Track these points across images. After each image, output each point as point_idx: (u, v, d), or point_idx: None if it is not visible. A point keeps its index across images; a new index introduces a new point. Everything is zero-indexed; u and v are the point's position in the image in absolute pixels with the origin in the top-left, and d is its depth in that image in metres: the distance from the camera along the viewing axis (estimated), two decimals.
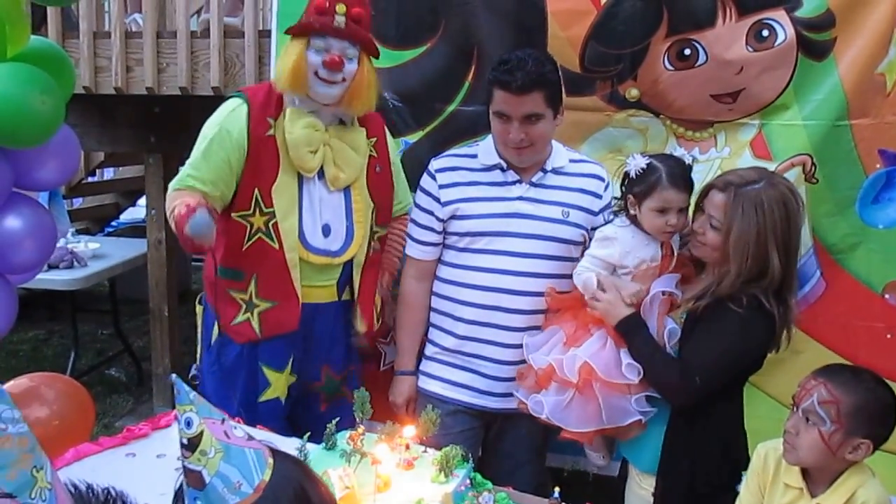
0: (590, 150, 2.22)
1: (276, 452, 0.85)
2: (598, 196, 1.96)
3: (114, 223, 5.19)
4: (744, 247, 1.63)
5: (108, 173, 5.07)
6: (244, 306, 1.94)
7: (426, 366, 2.05)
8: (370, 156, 2.02)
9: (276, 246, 1.90)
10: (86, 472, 1.51)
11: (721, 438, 1.74)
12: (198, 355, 2.11)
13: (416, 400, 2.02)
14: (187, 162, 1.92)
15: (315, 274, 1.96)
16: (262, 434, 1.65)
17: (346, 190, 1.97)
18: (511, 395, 1.91)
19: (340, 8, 1.81)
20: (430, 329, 2.05)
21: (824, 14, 2.03)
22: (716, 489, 1.73)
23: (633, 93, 2.17)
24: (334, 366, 2.06)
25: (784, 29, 2.05)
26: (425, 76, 2.26)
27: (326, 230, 1.95)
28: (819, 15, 2.04)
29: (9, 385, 2.01)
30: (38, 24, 2.86)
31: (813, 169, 2.10)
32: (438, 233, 1.97)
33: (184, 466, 0.81)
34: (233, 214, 1.90)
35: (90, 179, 4.60)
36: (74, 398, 2.20)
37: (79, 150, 2.16)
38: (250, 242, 1.90)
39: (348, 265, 2.01)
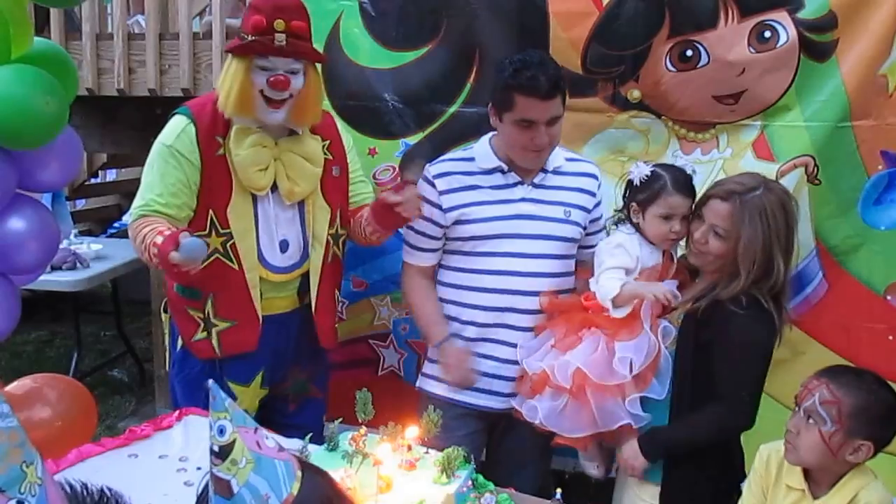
0: (591, 152, 2.23)
1: (305, 465, 0.84)
2: (593, 194, 1.98)
3: (116, 224, 5.19)
4: (752, 254, 1.64)
5: (111, 175, 5.07)
6: (202, 324, 1.93)
7: (431, 369, 2.04)
8: (326, 159, 1.97)
9: (236, 267, 1.87)
10: (88, 473, 1.51)
11: (726, 444, 1.75)
12: (167, 361, 2.11)
13: (473, 369, 1.94)
14: (143, 186, 1.86)
15: (275, 289, 1.95)
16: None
17: (300, 202, 1.94)
18: (516, 394, 1.91)
19: (279, 24, 1.73)
20: None
21: (826, 15, 2.03)
22: (718, 493, 1.74)
23: (634, 94, 2.17)
24: (302, 366, 2.06)
25: (786, 30, 2.05)
26: (426, 78, 2.26)
27: (284, 246, 1.93)
28: (821, 16, 2.03)
29: (11, 386, 2.01)
30: (41, 27, 2.87)
31: (815, 170, 2.10)
32: (438, 239, 1.96)
33: (212, 473, 0.80)
34: None
35: (93, 181, 4.60)
36: (77, 399, 2.20)
37: (82, 151, 2.17)
38: (207, 262, 1.82)
39: (306, 274, 1.98)
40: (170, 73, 2.86)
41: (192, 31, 2.85)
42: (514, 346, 1.91)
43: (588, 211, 1.97)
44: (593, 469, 1.92)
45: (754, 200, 1.66)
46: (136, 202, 1.87)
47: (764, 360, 1.70)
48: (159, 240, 1.67)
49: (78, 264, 3.43)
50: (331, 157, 1.99)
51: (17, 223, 1.95)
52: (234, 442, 0.79)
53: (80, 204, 4.90)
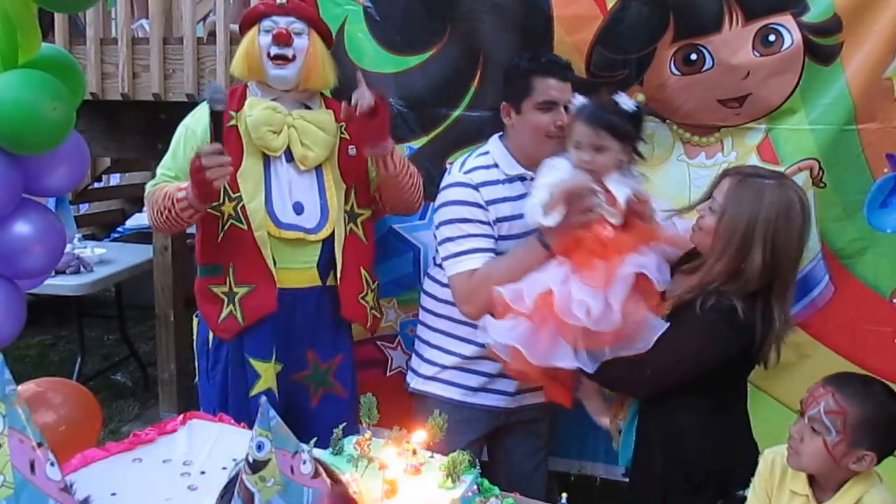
0: None
1: (336, 497, 0.85)
2: None
3: (120, 229, 5.19)
4: (731, 232, 1.61)
5: (115, 179, 5.09)
6: (226, 299, 1.99)
7: (443, 373, 2.03)
8: (341, 137, 2.04)
9: (245, 227, 1.95)
10: (93, 478, 1.52)
11: (696, 441, 1.71)
12: (196, 369, 2.14)
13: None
14: (161, 163, 2.03)
15: (291, 255, 1.98)
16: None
17: (319, 169, 2.00)
18: (522, 392, 1.90)
19: None
20: (444, 338, 2.04)
21: (831, 19, 2.03)
22: (687, 493, 1.71)
23: (639, 98, 2.17)
24: (320, 352, 2.06)
25: (791, 33, 2.05)
26: (430, 82, 2.26)
27: (299, 208, 1.98)
28: (826, 20, 2.03)
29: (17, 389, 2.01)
30: (46, 31, 2.87)
31: (821, 173, 2.09)
32: (495, 238, 1.91)
33: (241, 479, 0.81)
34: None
35: (96, 185, 4.62)
36: (81, 403, 2.20)
37: (88, 156, 2.17)
38: (224, 230, 1.97)
39: (328, 246, 2.01)
40: (174, 78, 2.87)
41: (195, 35, 2.85)
42: None
43: None
44: (601, 421, 1.88)
45: (757, 184, 1.63)
46: (151, 181, 2.02)
47: (694, 364, 1.66)
48: (183, 184, 1.87)
49: (81, 268, 3.44)
50: (347, 137, 2.05)
51: (23, 228, 1.95)
52: (269, 461, 0.80)
53: (84, 208, 4.90)
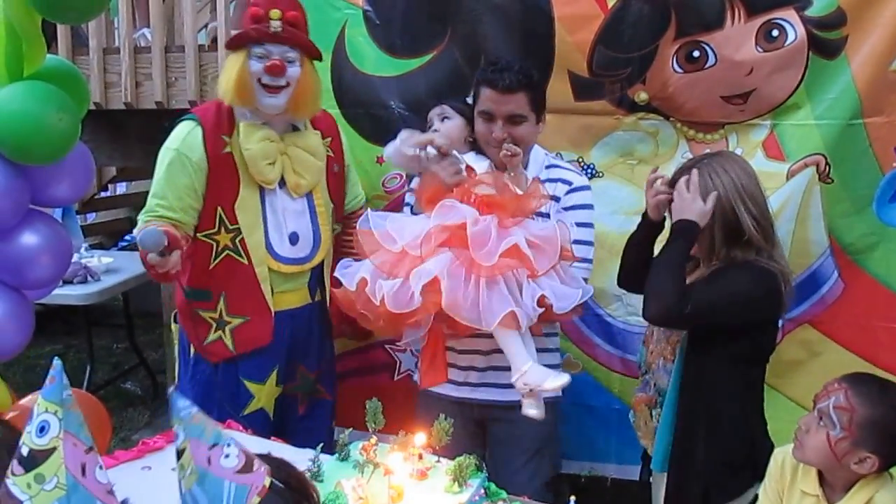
0: (599, 155, 2.22)
1: (269, 498, 0.84)
2: (558, 199, 1.92)
3: (127, 237, 5.21)
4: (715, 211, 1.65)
5: (121, 188, 5.10)
6: (214, 325, 1.96)
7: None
8: (328, 156, 2.03)
9: (245, 261, 1.92)
10: None
11: (744, 438, 1.72)
12: (176, 373, 2.12)
13: None
14: (151, 193, 1.92)
15: (285, 282, 1.99)
16: (276, 446, 1.64)
17: (309, 195, 1.99)
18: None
19: (275, 13, 1.82)
20: None
21: (835, 12, 2.02)
22: (727, 479, 1.71)
23: (642, 96, 2.16)
24: (308, 364, 2.07)
25: (794, 28, 2.04)
26: (432, 84, 2.26)
27: (294, 238, 1.97)
28: (829, 13, 2.02)
29: (25, 400, 2.01)
30: (49, 42, 2.88)
31: (827, 169, 2.08)
32: None
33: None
34: (198, 235, 1.92)
35: (103, 194, 4.62)
36: (90, 412, 2.19)
37: (93, 166, 2.18)
38: (217, 261, 1.92)
39: (318, 267, 2.03)
40: (176, 86, 2.87)
41: (197, 43, 2.86)
42: None
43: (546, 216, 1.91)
44: (532, 409, 1.80)
45: (700, 165, 1.71)
46: (143, 209, 1.92)
47: (741, 307, 1.66)
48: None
49: (89, 278, 3.45)
50: (332, 154, 2.05)
51: (30, 238, 1.96)
52: (184, 451, 0.83)
53: (91, 218, 4.92)
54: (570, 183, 1.93)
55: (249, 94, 1.86)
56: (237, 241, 1.91)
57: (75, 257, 3.44)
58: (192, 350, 2.03)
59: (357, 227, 1.86)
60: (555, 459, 2.07)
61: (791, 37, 2.04)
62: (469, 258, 1.71)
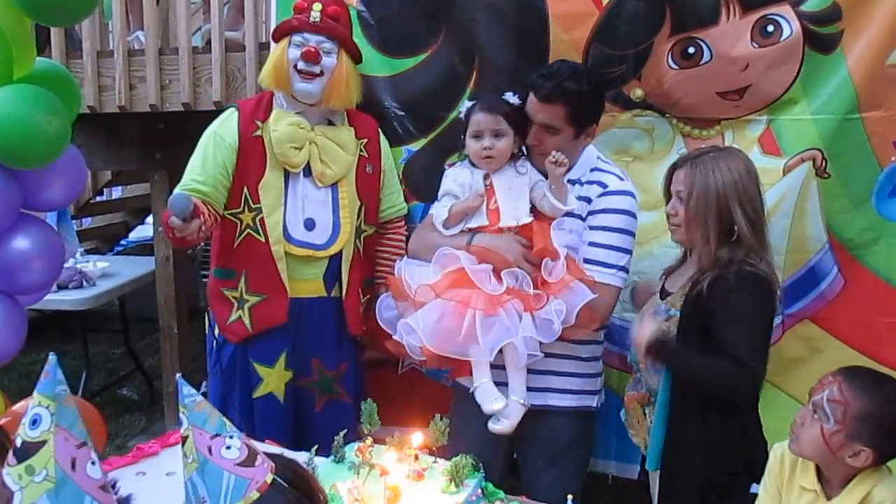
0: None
1: (269, 495, 0.84)
2: (590, 201, 1.89)
3: (123, 242, 5.20)
4: (704, 206, 1.65)
5: (117, 192, 5.09)
6: (236, 304, 2.03)
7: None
8: (360, 155, 2.08)
9: (263, 240, 1.99)
10: None
11: (745, 434, 1.70)
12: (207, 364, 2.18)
13: None
14: (187, 168, 2.02)
15: (300, 267, 2.03)
16: (272, 449, 1.62)
17: (334, 186, 2.04)
18: (542, 390, 1.87)
19: (316, 6, 1.94)
20: None
21: (830, 7, 2.01)
22: (730, 488, 1.69)
23: (637, 93, 2.15)
24: (325, 360, 2.09)
25: (789, 23, 2.03)
26: (427, 84, 2.25)
27: (310, 224, 2.02)
28: (825, 8, 2.01)
29: (18, 406, 2.00)
30: (42, 46, 2.87)
31: (824, 164, 2.07)
32: None
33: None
34: (225, 213, 2.01)
35: (98, 199, 4.61)
36: (85, 418, 2.18)
37: (85, 169, 2.18)
38: (240, 239, 2.00)
39: (335, 260, 2.06)
40: (171, 88, 2.86)
41: (191, 45, 2.85)
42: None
43: (583, 218, 1.88)
44: (494, 402, 1.77)
45: (706, 159, 1.70)
46: (179, 183, 2.02)
47: (770, 326, 1.67)
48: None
49: (84, 283, 3.44)
50: (366, 155, 2.10)
51: (21, 243, 1.95)
52: (187, 438, 0.85)
53: (87, 222, 4.91)
54: (605, 185, 1.88)
55: (285, 79, 1.95)
56: (258, 220, 1.99)
57: (71, 262, 3.44)
58: (216, 334, 2.10)
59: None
60: (580, 466, 2.02)
61: (786, 32, 2.03)
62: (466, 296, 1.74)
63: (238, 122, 2.00)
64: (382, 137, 2.16)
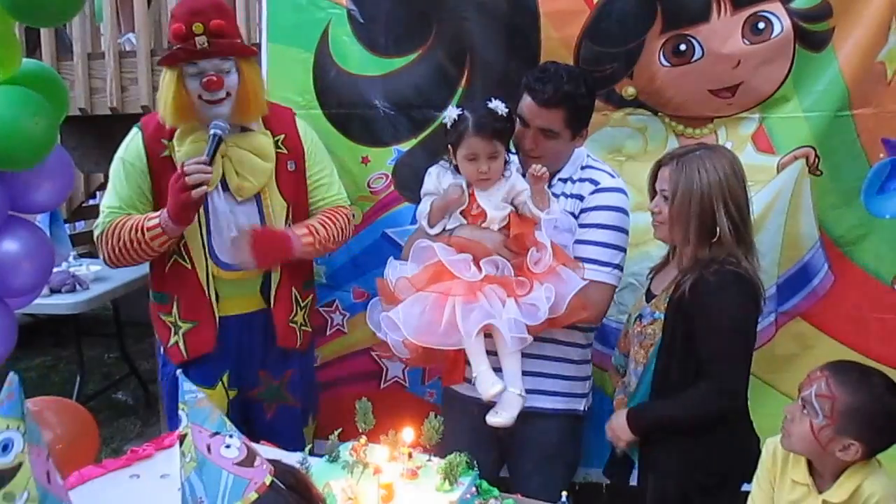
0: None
1: (268, 497, 0.82)
2: (582, 199, 1.89)
3: None
4: (689, 207, 1.65)
5: None
6: (172, 329, 1.97)
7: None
8: (279, 152, 1.96)
9: (189, 266, 1.91)
10: (89, 495, 1.49)
11: (735, 435, 1.71)
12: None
13: None
14: (103, 202, 1.94)
15: (233, 286, 1.95)
16: (268, 451, 1.61)
17: (257, 197, 1.93)
18: (531, 391, 1.86)
19: (198, 28, 1.76)
20: None
21: (820, 4, 2.01)
22: (720, 489, 1.70)
23: (629, 91, 2.15)
24: (272, 370, 2.04)
25: (780, 21, 2.03)
26: (418, 83, 2.24)
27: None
28: (815, 5, 2.02)
29: None
30: (33, 49, 2.87)
31: (817, 161, 2.07)
32: None
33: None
34: None
35: (91, 202, 4.59)
36: (78, 421, 2.18)
37: (73, 171, 2.16)
38: (169, 264, 1.93)
39: (268, 272, 1.97)
40: None
41: None
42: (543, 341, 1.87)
43: (575, 216, 1.89)
44: (491, 387, 1.76)
45: (693, 157, 1.68)
46: (98, 219, 1.93)
47: (751, 331, 1.69)
48: (153, 214, 1.82)
49: (78, 286, 3.41)
50: (285, 152, 1.97)
51: (10, 245, 1.93)
52: (185, 436, 0.83)
53: (80, 226, 4.88)
54: (596, 183, 1.88)
55: (190, 112, 1.84)
56: (181, 245, 1.90)
57: (63, 266, 3.41)
58: (162, 352, 2.06)
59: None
60: (568, 469, 2.01)
61: (777, 29, 2.03)
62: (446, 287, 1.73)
63: (143, 145, 1.90)
64: (301, 123, 2.04)
